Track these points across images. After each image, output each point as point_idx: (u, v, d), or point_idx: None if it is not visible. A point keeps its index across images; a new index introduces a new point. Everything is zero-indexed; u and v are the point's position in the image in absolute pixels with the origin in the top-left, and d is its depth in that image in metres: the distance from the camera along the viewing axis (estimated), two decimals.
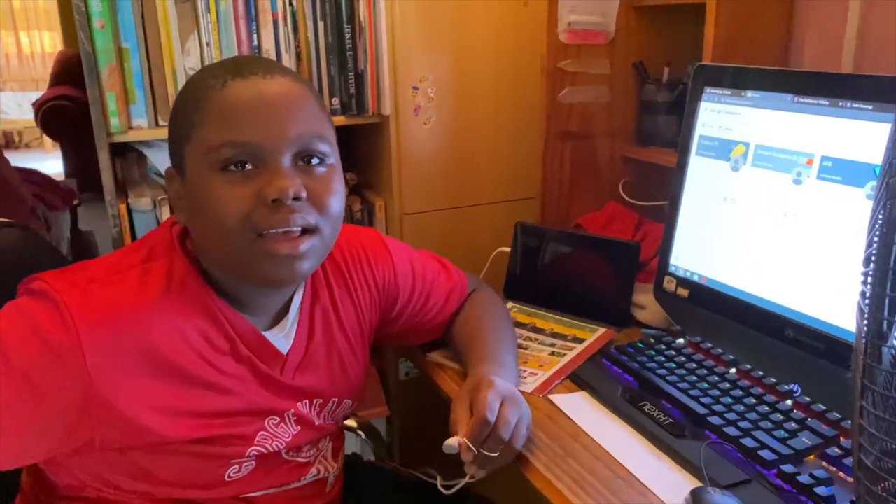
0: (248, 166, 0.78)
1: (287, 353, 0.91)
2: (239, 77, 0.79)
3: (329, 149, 0.84)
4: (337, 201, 0.83)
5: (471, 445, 0.86)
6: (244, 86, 0.79)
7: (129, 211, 1.36)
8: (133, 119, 1.33)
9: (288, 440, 0.92)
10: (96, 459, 0.83)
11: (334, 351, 0.98)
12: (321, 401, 0.96)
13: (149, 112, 1.34)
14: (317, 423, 0.96)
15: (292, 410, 0.92)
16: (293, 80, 0.83)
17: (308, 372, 0.94)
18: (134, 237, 1.37)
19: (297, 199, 0.78)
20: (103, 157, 1.30)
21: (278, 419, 0.91)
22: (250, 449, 0.88)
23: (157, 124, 1.35)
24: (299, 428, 0.93)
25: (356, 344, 1.01)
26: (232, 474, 0.88)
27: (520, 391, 0.98)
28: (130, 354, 0.78)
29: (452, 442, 0.87)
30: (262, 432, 0.89)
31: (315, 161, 0.82)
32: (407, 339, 1.17)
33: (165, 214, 1.38)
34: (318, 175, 0.82)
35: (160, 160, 1.44)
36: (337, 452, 1.04)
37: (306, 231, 0.80)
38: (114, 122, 1.30)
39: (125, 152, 1.49)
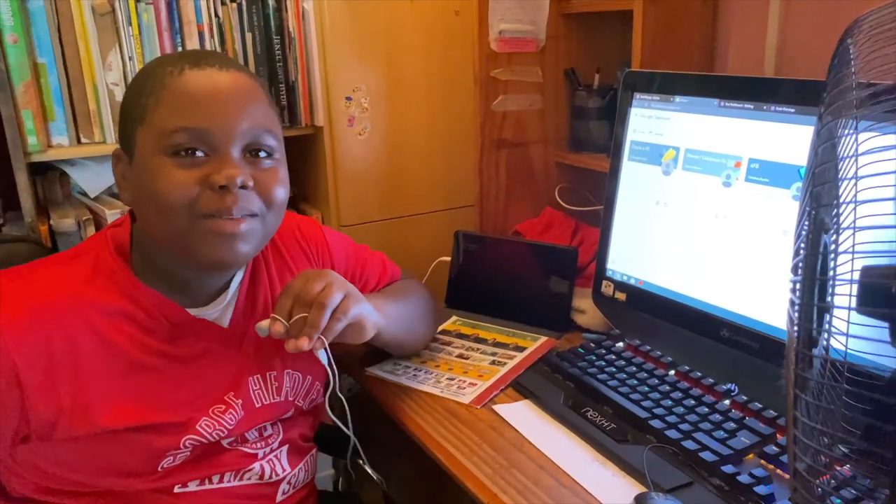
0: (199, 153, 0.81)
1: (228, 325, 0.93)
2: (196, 67, 0.82)
3: (276, 144, 0.87)
4: (282, 191, 0.87)
5: (276, 316, 0.86)
6: (201, 75, 0.82)
7: (52, 232, 1.30)
8: (52, 137, 1.28)
9: (231, 427, 0.91)
10: (32, 452, 0.83)
11: None
12: (275, 373, 0.96)
13: (69, 129, 1.29)
14: (273, 400, 0.96)
15: (241, 390, 0.92)
16: (247, 76, 0.86)
17: (255, 343, 0.94)
18: None
19: (243, 187, 0.82)
20: (21, 178, 1.24)
21: (223, 406, 0.90)
22: (186, 438, 0.87)
23: (78, 142, 1.30)
24: (244, 413, 0.93)
25: None
26: (165, 465, 0.87)
27: (459, 402, 1.03)
28: (59, 343, 0.79)
29: (262, 323, 0.88)
30: (204, 419, 0.89)
31: (262, 154, 0.85)
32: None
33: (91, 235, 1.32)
34: (265, 167, 0.85)
35: (84, 179, 1.38)
36: (295, 460, 1.01)
37: (248, 216, 0.84)
38: (31, 140, 1.24)
39: (46, 171, 1.42)
